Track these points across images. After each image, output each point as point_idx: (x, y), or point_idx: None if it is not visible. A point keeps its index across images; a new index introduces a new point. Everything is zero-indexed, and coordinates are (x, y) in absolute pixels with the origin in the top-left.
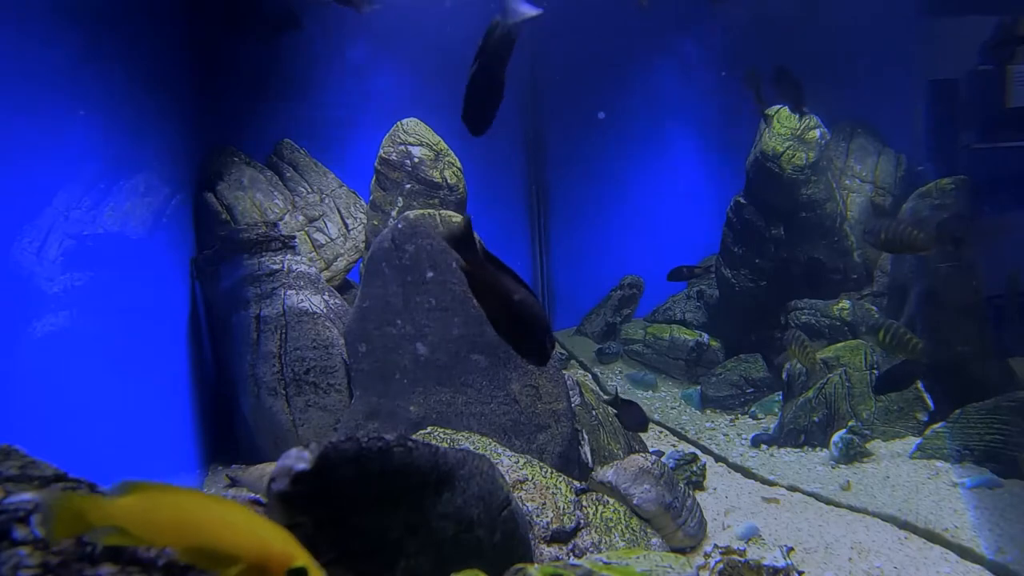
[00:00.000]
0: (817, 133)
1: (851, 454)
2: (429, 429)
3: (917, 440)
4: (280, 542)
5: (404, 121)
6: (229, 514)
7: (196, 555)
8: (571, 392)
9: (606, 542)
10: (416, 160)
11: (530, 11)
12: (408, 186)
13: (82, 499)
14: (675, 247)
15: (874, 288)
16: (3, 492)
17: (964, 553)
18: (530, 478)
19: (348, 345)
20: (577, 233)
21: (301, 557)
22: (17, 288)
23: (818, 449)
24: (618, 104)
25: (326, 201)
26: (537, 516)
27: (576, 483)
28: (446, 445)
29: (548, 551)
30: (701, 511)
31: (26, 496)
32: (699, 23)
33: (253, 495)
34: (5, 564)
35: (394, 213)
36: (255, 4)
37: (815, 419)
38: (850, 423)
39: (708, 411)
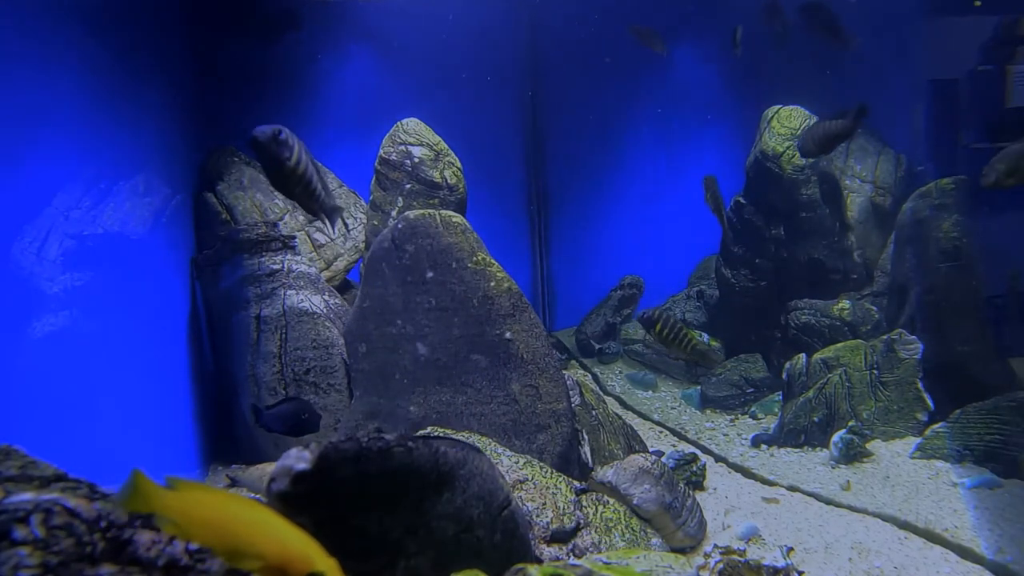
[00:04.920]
0: None
1: (851, 454)
2: (429, 429)
3: (917, 440)
4: (301, 545)
5: (404, 121)
6: (257, 517)
7: (225, 553)
8: (571, 392)
9: (606, 542)
10: (416, 160)
11: None
12: (408, 186)
13: (150, 484)
14: (675, 247)
15: (874, 288)
16: (3, 492)
17: (964, 553)
18: (530, 478)
19: (348, 345)
20: (577, 233)
21: (321, 561)
22: (17, 288)
23: (818, 449)
24: (619, 103)
25: None
26: (537, 516)
27: (576, 483)
28: None
29: (548, 551)
30: (701, 511)
31: (26, 496)
32: (702, 21)
33: (253, 495)
34: (5, 564)
35: (394, 213)
36: (255, 4)
37: (815, 419)
38: (850, 423)
39: (708, 411)
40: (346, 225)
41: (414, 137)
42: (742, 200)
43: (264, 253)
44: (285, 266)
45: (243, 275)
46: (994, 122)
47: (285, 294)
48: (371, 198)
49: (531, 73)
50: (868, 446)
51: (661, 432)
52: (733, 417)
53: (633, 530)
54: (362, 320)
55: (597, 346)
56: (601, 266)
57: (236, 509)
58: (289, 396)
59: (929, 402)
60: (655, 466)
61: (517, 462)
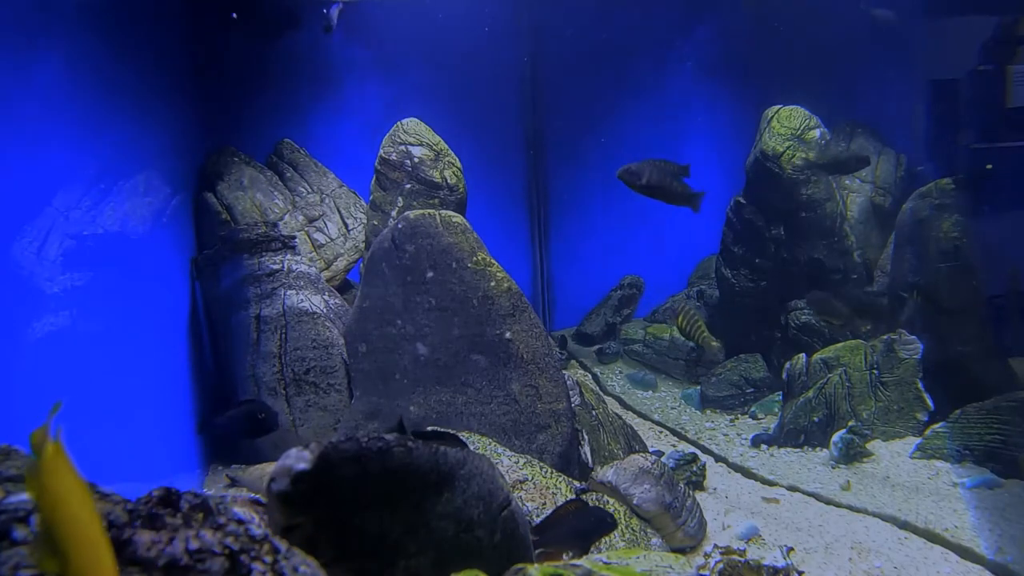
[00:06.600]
0: (817, 133)
1: (851, 454)
2: (429, 429)
3: (917, 440)
4: (93, 561)
5: (404, 121)
6: (90, 526)
7: (44, 526)
8: (571, 392)
9: (606, 542)
10: (416, 160)
11: None
12: (408, 186)
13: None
14: (675, 247)
15: (874, 288)
16: (3, 492)
17: (964, 553)
18: (530, 478)
19: (348, 345)
20: (577, 233)
21: None
22: (17, 288)
23: (818, 449)
24: (619, 102)
25: (326, 201)
26: (537, 516)
27: (576, 483)
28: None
29: None
30: (701, 511)
31: (26, 496)
32: (702, 21)
33: (253, 495)
34: (5, 564)
35: (394, 213)
36: (255, 4)
37: (815, 419)
38: (850, 423)
39: (708, 411)
40: (346, 225)
41: (414, 137)
42: (742, 200)
43: (264, 253)
44: (285, 266)
45: (243, 275)
46: (994, 122)
47: (285, 294)
48: (371, 198)
49: (532, 73)
50: (868, 446)
51: (661, 432)
52: (733, 417)
53: (633, 530)
54: (362, 320)
55: (597, 345)
56: (601, 266)
57: (84, 506)
58: (243, 400)
59: (929, 402)
60: (655, 466)
61: (517, 462)
